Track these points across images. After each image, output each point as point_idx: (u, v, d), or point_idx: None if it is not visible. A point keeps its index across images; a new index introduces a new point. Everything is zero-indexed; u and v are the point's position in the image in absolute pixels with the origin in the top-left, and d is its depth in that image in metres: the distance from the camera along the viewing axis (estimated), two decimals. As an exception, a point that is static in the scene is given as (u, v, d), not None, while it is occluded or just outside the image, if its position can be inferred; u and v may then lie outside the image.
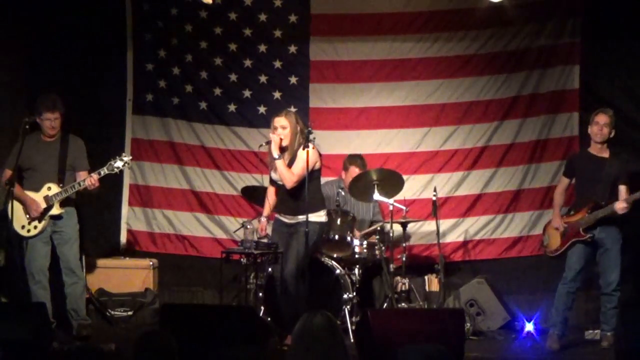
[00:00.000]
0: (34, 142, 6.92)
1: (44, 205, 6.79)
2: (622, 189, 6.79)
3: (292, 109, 8.17)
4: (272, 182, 6.78)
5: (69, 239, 6.93)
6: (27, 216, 6.82)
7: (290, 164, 6.53)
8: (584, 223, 6.75)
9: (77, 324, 6.89)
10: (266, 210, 6.91)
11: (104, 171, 6.75)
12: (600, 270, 6.82)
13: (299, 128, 6.57)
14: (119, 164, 6.75)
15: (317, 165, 6.58)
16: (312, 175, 6.51)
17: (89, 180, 6.69)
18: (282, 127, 6.55)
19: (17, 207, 6.82)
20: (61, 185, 6.81)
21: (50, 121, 6.85)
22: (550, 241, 6.99)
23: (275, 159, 6.49)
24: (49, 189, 6.82)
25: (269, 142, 6.55)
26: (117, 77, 8.45)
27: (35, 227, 6.83)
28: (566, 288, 6.83)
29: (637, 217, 6.84)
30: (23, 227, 6.84)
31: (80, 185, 6.75)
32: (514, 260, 8.00)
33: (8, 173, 6.84)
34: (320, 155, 6.63)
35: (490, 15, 7.87)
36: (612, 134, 6.81)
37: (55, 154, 6.89)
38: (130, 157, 6.88)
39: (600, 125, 6.79)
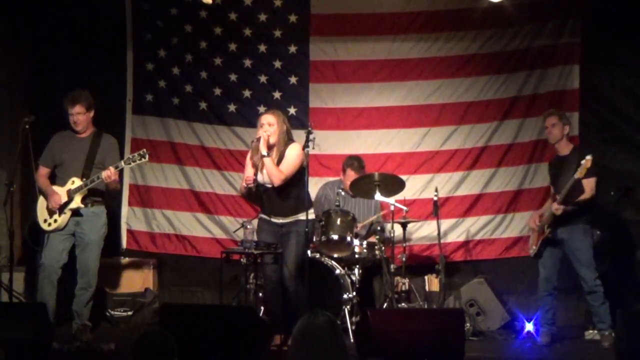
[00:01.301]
0: (66, 139, 6.92)
1: (65, 198, 6.74)
2: (585, 182, 6.74)
3: (293, 109, 8.21)
4: (258, 183, 6.68)
5: (89, 243, 6.83)
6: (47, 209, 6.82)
7: (277, 163, 6.49)
8: (545, 222, 6.84)
9: (77, 327, 6.87)
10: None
11: (121, 164, 6.67)
12: (576, 271, 6.88)
13: (285, 127, 6.56)
14: (136, 158, 6.65)
15: (304, 165, 6.56)
16: (301, 174, 6.52)
17: (106, 172, 6.60)
18: (269, 124, 6.50)
19: (43, 201, 6.84)
20: (84, 179, 6.76)
21: (73, 116, 6.82)
22: (531, 241, 7.12)
23: (264, 156, 6.43)
24: (73, 182, 6.76)
25: (258, 139, 6.49)
26: (117, 77, 8.45)
27: (55, 221, 6.76)
28: (543, 290, 6.96)
29: (610, 217, 6.90)
30: (45, 220, 6.81)
31: (98, 178, 6.65)
32: (514, 260, 8.00)
33: (43, 170, 6.88)
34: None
35: (490, 15, 7.88)
36: (567, 130, 6.94)
37: (85, 150, 6.84)
38: (149, 152, 6.74)
39: (549, 127, 6.95)
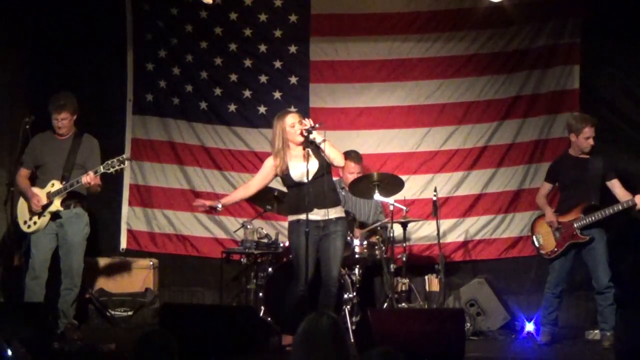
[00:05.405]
0: (47, 140, 6.94)
1: (44, 201, 6.76)
2: (615, 183, 6.82)
3: (293, 110, 8.20)
4: (293, 183, 6.44)
5: (72, 244, 6.86)
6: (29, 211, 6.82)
7: (314, 152, 6.37)
8: (581, 224, 6.77)
9: (64, 325, 6.88)
10: (228, 199, 6.73)
11: (100, 169, 6.67)
12: (589, 270, 6.86)
13: None
14: (115, 163, 6.66)
15: None
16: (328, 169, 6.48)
17: (85, 177, 6.61)
18: (301, 121, 6.41)
19: (23, 203, 6.84)
20: (64, 182, 6.78)
21: (57, 121, 6.87)
22: (544, 242, 7.02)
23: (324, 140, 6.29)
24: (52, 185, 6.80)
25: (314, 127, 6.30)
26: (117, 77, 8.45)
27: (35, 223, 6.80)
28: (551, 292, 6.94)
29: (611, 218, 6.90)
30: (25, 222, 6.83)
31: (78, 182, 6.67)
32: (514, 260, 8.00)
33: (24, 171, 6.89)
34: None
35: (490, 15, 7.88)
36: (573, 138, 6.94)
37: (65, 152, 6.87)
38: (129, 157, 6.80)
39: (591, 137, 6.86)
